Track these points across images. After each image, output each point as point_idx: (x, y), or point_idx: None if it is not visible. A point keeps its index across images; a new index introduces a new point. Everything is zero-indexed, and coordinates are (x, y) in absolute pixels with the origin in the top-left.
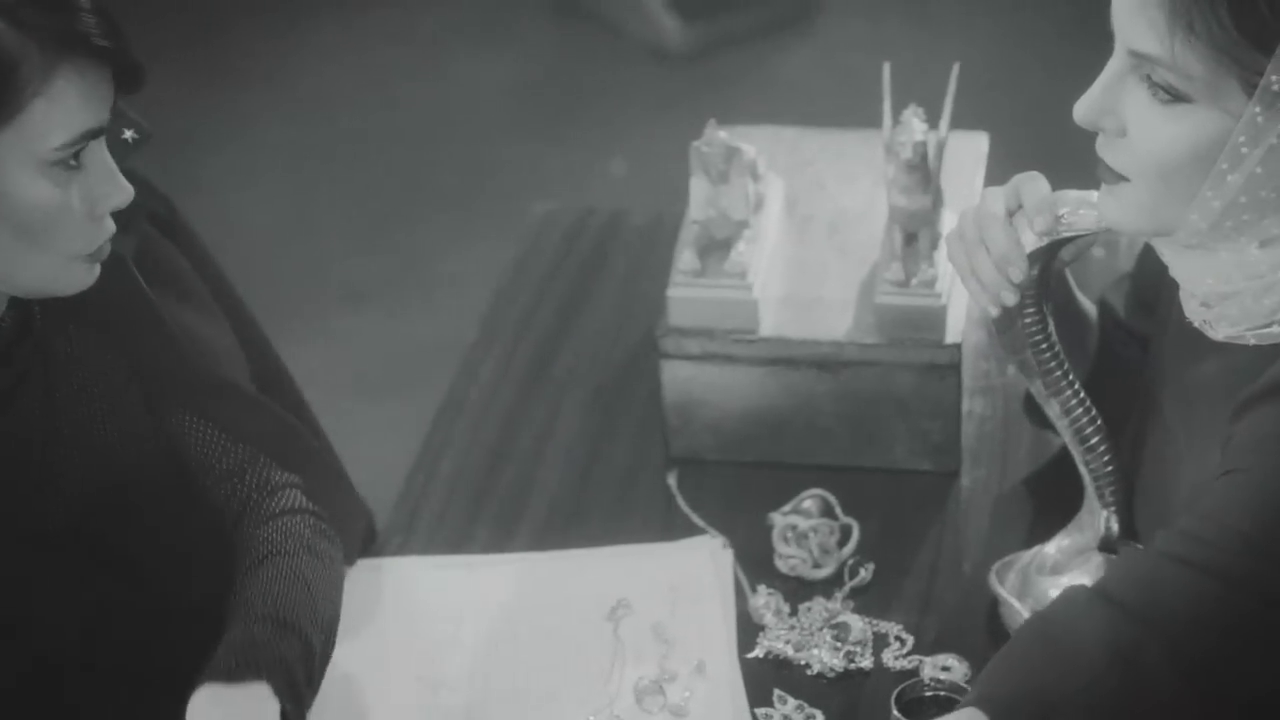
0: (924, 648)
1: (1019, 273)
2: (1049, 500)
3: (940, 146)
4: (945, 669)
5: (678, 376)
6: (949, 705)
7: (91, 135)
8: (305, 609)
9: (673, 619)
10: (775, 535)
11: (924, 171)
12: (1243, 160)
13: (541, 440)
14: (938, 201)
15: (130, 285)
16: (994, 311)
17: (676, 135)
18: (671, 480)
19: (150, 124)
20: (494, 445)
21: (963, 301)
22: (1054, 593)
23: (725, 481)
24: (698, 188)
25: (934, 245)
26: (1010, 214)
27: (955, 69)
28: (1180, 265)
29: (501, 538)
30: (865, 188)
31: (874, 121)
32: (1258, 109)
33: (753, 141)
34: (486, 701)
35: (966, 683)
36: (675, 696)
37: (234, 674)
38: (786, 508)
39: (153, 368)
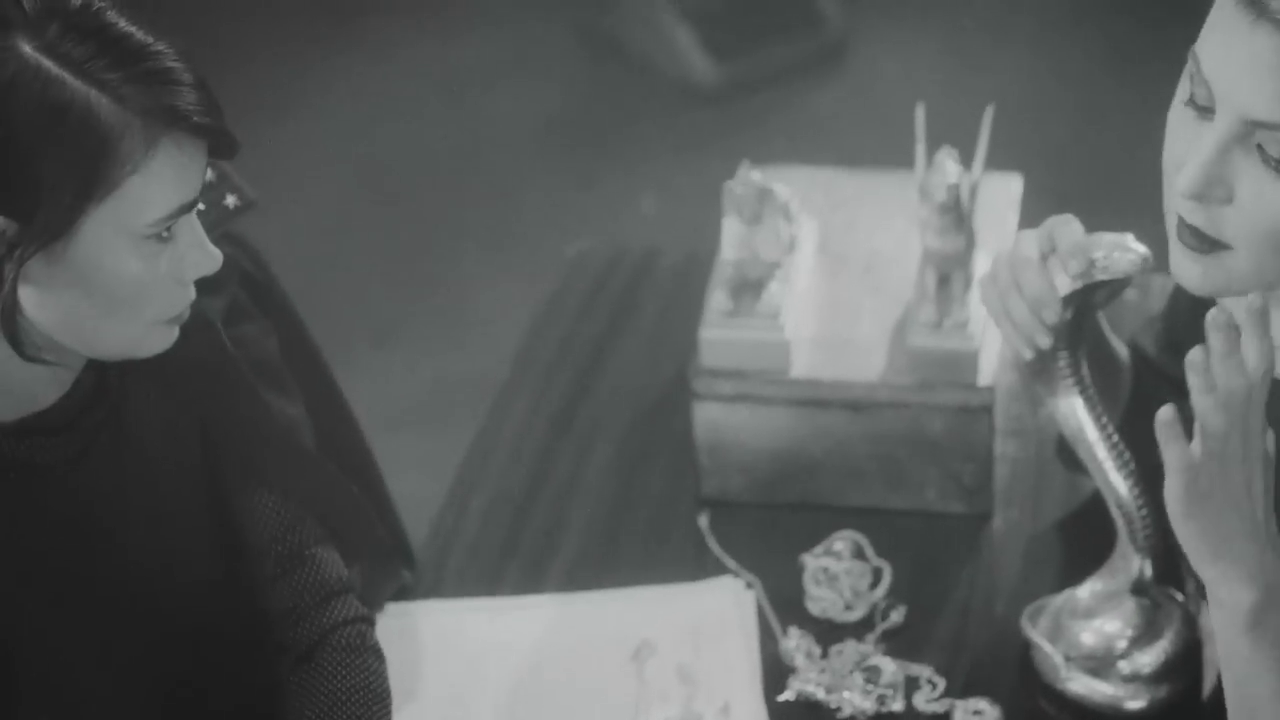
0: (956, 691)
1: (1052, 314)
2: (1082, 543)
3: (974, 188)
4: (977, 713)
5: (709, 417)
6: None
7: (185, 209)
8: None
9: (697, 660)
10: (806, 577)
11: (957, 213)
12: None
13: (573, 480)
14: (971, 243)
15: (218, 349)
16: (1028, 354)
17: (708, 174)
18: (703, 521)
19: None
20: (525, 484)
21: (995, 344)
22: (1085, 637)
23: (756, 523)
24: (730, 228)
25: (967, 287)
26: (1044, 257)
27: (989, 111)
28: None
29: (532, 577)
30: (898, 229)
31: (906, 160)
32: None
33: (786, 182)
34: None
35: None
36: None
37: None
38: (818, 549)
39: (230, 436)
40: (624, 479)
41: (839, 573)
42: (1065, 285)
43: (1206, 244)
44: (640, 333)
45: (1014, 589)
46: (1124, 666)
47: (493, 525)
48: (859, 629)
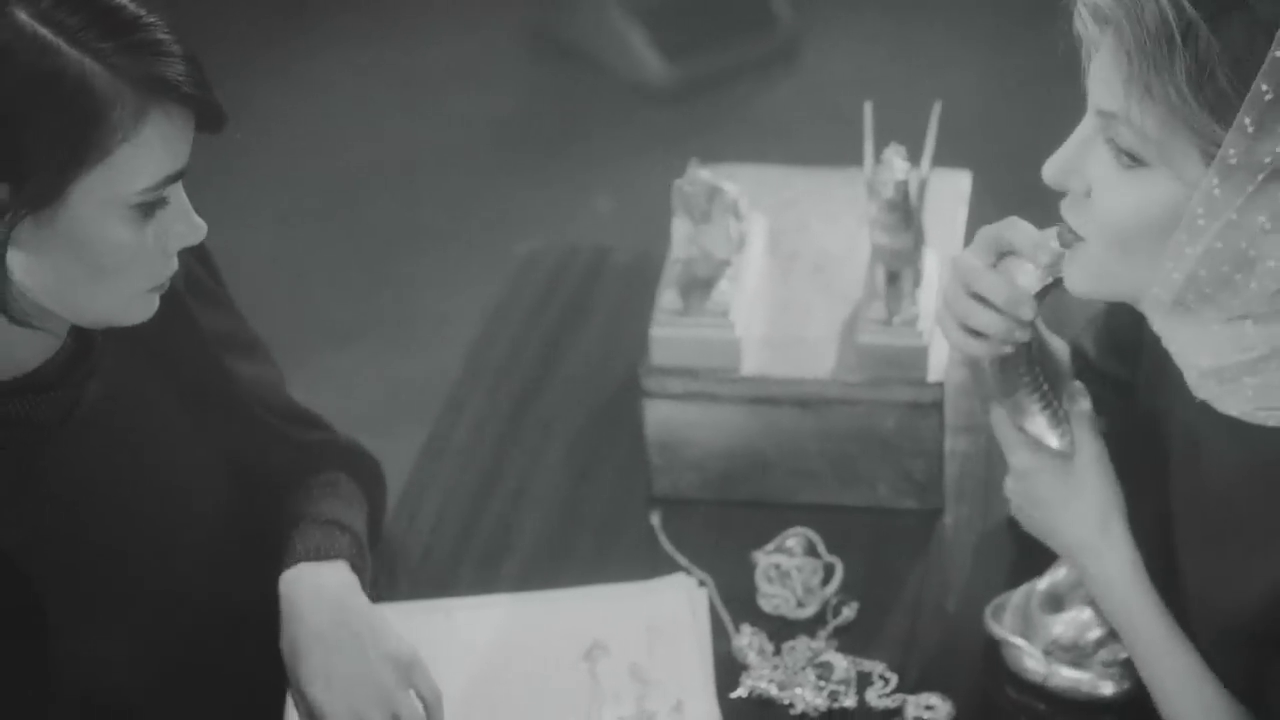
0: (908, 686)
1: (1030, 310)
2: (1032, 538)
3: (922, 185)
4: (929, 708)
5: (660, 415)
6: None
7: (173, 179)
8: (355, 517)
9: (650, 659)
10: (758, 574)
11: (906, 210)
12: (1200, 233)
13: (525, 479)
14: (920, 240)
15: (182, 312)
16: (1008, 349)
17: (661, 173)
18: (655, 519)
19: None
20: (478, 484)
21: (945, 341)
22: (1058, 629)
23: (708, 520)
24: (680, 227)
25: (916, 284)
26: (996, 262)
27: (936, 107)
28: (1172, 337)
29: (486, 577)
30: (848, 227)
31: (858, 160)
32: (1215, 180)
33: (736, 180)
34: None
35: None
36: None
37: (320, 554)
38: (770, 546)
39: (202, 389)
40: (576, 478)
41: (791, 570)
42: (1037, 280)
43: (1072, 239)
44: (591, 332)
45: (966, 584)
46: (1104, 654)
47: (445, 526)
48: (811, 626)
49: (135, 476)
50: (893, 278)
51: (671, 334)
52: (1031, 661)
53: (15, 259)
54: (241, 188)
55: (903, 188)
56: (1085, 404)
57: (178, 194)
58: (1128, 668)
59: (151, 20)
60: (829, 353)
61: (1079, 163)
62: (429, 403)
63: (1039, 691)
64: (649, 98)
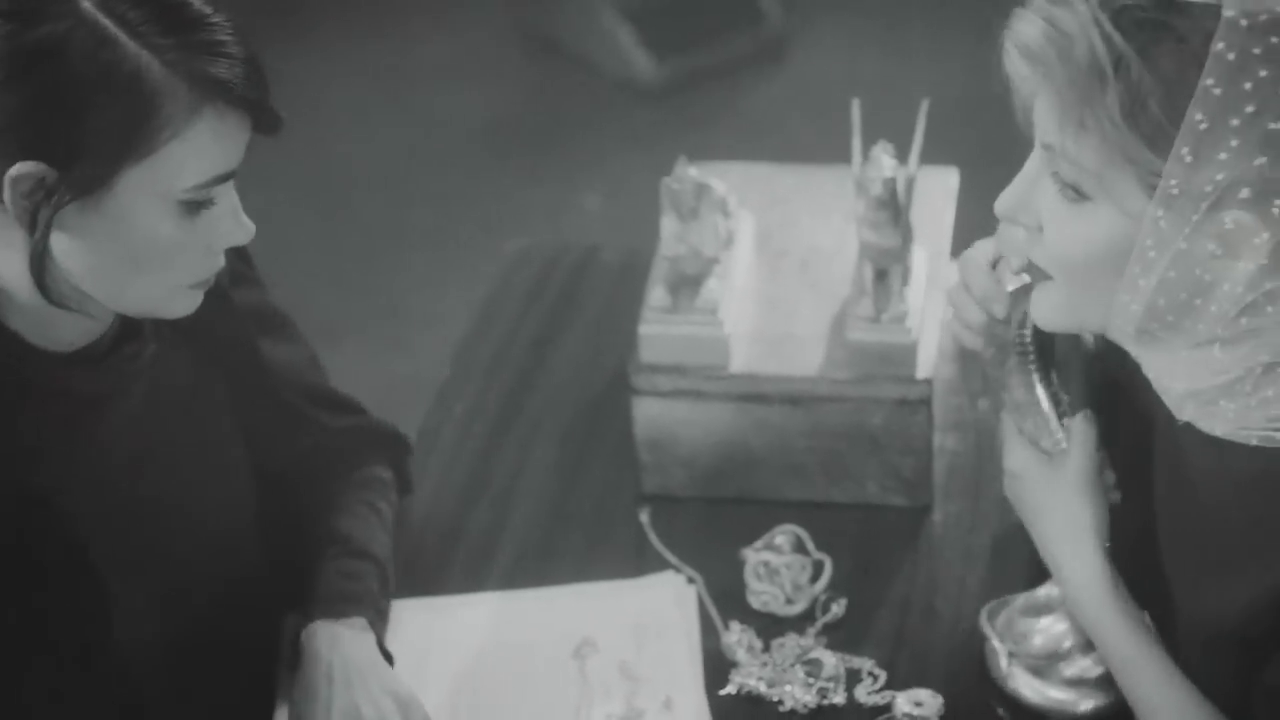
0: (897, 683)
1: (1001, 308)
2: (1021, 535)
3: (910, 182)
4: (918, 704)
5: (649, 413)
6: None
7: (222, 179)
8: (383, 540)
9: (639, 656)
10: (747, 571)
11: (894, 207)
12: (1152, 265)
13: (514, 477)
14: (908, 237)
15: (219, 293)
16: (982, 348)
17: (650, 171)
18: (644, 517)
19: None
20: (467, 482)
21: (934, 337)
22: (1035, 636)
23: (697, 518)
24: (668, 224)
25: (905, 281)
26: (995, 263)
27: (924, 105)
28: (1147, 363)
29: (475, 575)
30: (837, 224)
31: (846, 157)
32: (1159, 212)
33: (724, 178)
34: None
35: (940, 717)
36: None
37: (340, 612)
38: (758, 544)
39: (236, 370)
40: (565, 476)
41: (780, 567)
42: (1013, 282)
43: (1038, 273)
44: (580, 329)
45: (955, 581)
46: (1066, 669)
47: (435, 523)
48: (800, 623)
49: (171, 447)
50: (881, 275)
51: (660, 331)
52: (999, 661)
53: (59, 242)
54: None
55: (890, 185)
56: (1087, 418)
57: (228, 193)
58: (1098, 686)
59: (215, 20)
60: (817, 350)
61: (1028, 198)
62: (418, 400)
63: (1005, 692)
64: (638, 96)
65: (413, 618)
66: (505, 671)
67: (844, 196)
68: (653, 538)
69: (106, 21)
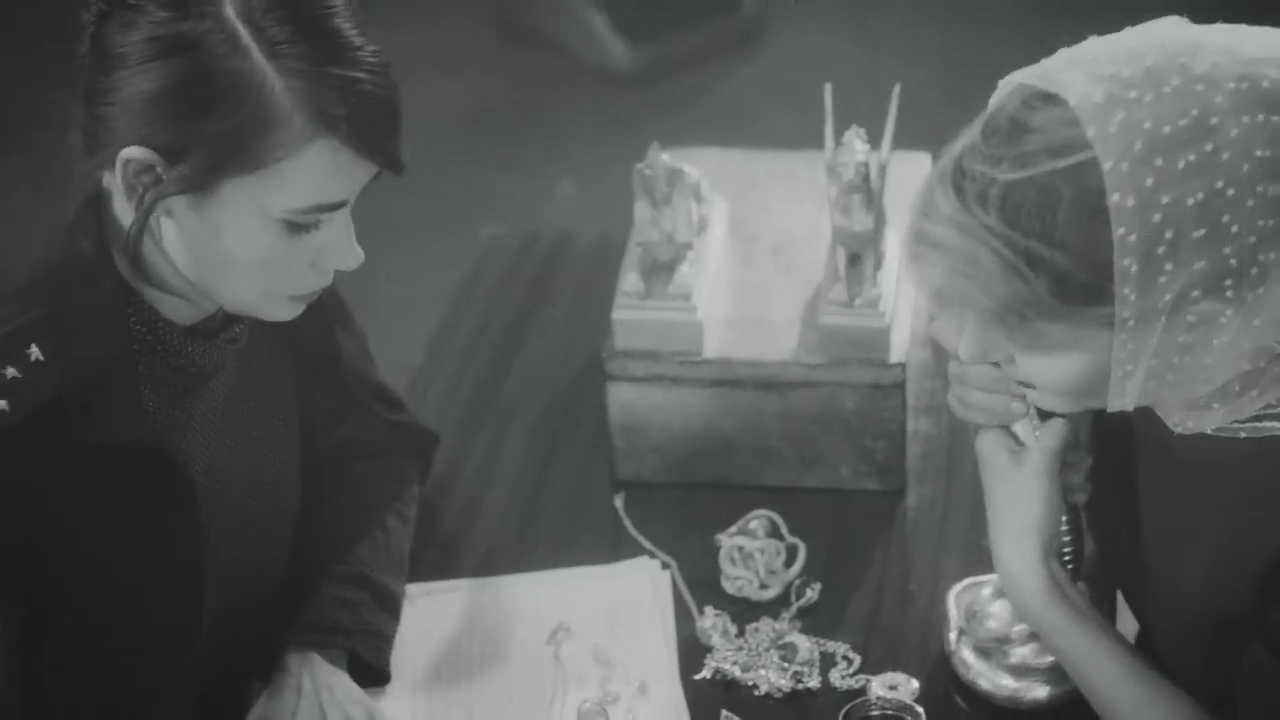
0: (871, 667)
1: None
2: None
3: (882, 167)
4: (893, 687)
5: (623, 399)
6: None
7: (328, 209)
8: (391, 567)
9: (613, 641)
10: (722, 556)
11: (866, 192)
12: (1132, 374)
13: (489, 464)
14: (880, 222)
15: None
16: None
17: (624, 157)
18: (618, 502)
19: None
20: (441, 468)
21: (907, 321)
22: (992, 623)
23: (672, 503)
24: (641, 210)
25: (877, 266)
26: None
27: (896, 90)
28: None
29: (449, 562)
30: (810, 209)
31: (819, 143)
32: (1124, 337)
33: (697, 163)
34: None
35: (914, 701)
36: (618, 718)
37: (323, 644)
38: (733, 529)
39: (314, 358)
40: (539, 462)
41: (754, 551)
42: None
43: (1029, 386)
44: (554, 316)
45: (928, 564)
46: (1011, 654)
47: None
48: (774, 607)
49: (252, 423)
50: (854, 260)
51: (633, 317)
52: (949, 637)
53: (168, 228)
54: None
55: (863, 170)
56: (1064, 421)
57: (339, 219)
58: (1047, 675)
59: (361, 56)
60: (791, 335)
61: (987, 345)
62: (393, 387)
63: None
64: (612, 83)
65: None
66: (480, 657)
67: (817, 182)
68: (627, 523)
69: (244, 31)
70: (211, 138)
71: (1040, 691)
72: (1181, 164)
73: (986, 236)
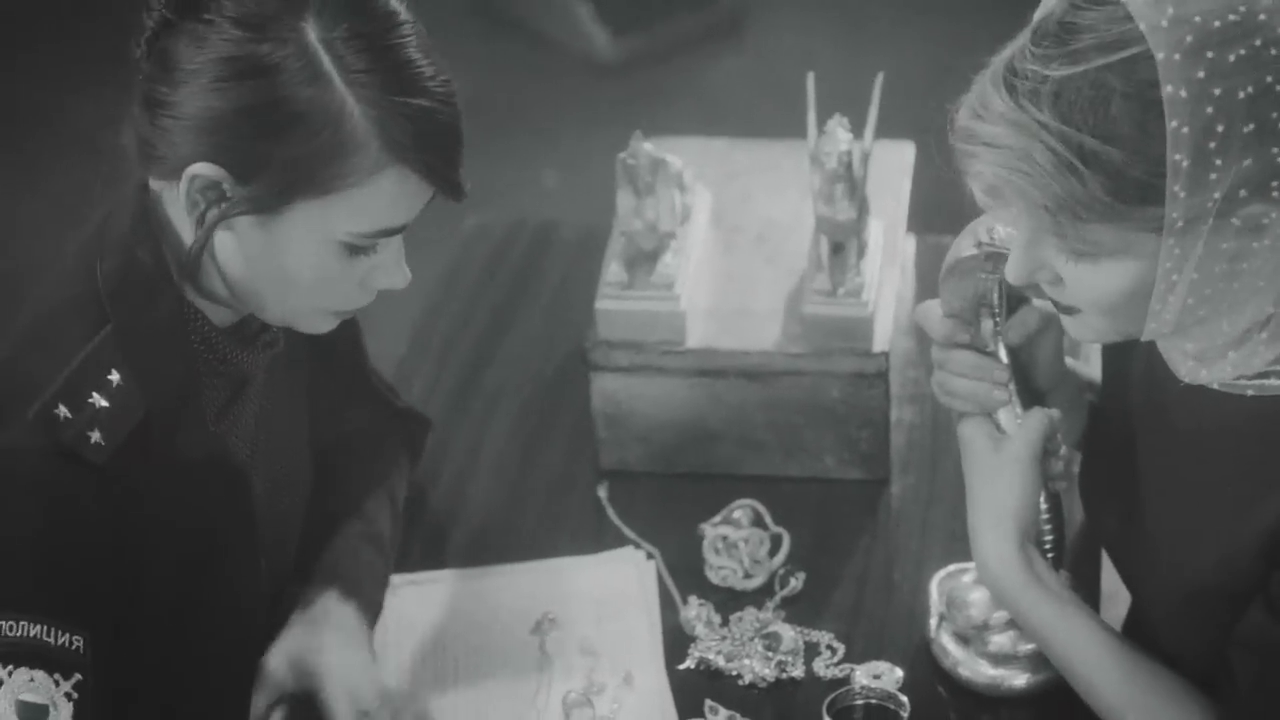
0: (855, 656)
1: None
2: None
3: (865, 156)
4: (876, 677)
5: (607, 388)
6: (881, 713)
7: (389, 234)
8: (393, 539)
9: (598, 631)
10: (706, 546)
11: (849, 181)
12: (1175, 285)
13: (473, 453)
14: (863, 211)
15: None
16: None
17: (608, 147)
18: (602, 492)
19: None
20: (425, 459)
21: (890, 310)
22: (973, 610)
23: (655, 493)
24: (624, 200)
25: (861, 255)
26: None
27: (879, 79)
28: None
29: (434, 552)
30: (793, 198)
31: (802, 132)
32: (1171, 241)
33: (680, 153)
34: None
35: (898, 690)
36: (604, 709)
37: (349, 591)
38: (717, 518)
39: (341, 354)
40: (523, 452)
41: (738, 541)
42: (969, 250)
43: (1065, 309)
44: (537, 305)
45: (912, 554)
46: (990, 642)
47: None
48: (758, 596)
49: (279, 421)
50: (837, 249)
51: (617, 307)
52: (930, 623)
53: (224, 243)
54: None
55: (846, 159)
56: (1046, 411)
57: (396, 242)
58: (1027, 663)
59: (434, 86)
60: (774, 324)
61: (1036, 262)
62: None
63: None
64: (596, 72)
65: None
66: (465, 648)
67: (800, 171)
68: (611, 513)
69: (324, 57)
70: (286, 162)
71: (1020, 679)
72: (1232, 57)
73: (1041, 133)
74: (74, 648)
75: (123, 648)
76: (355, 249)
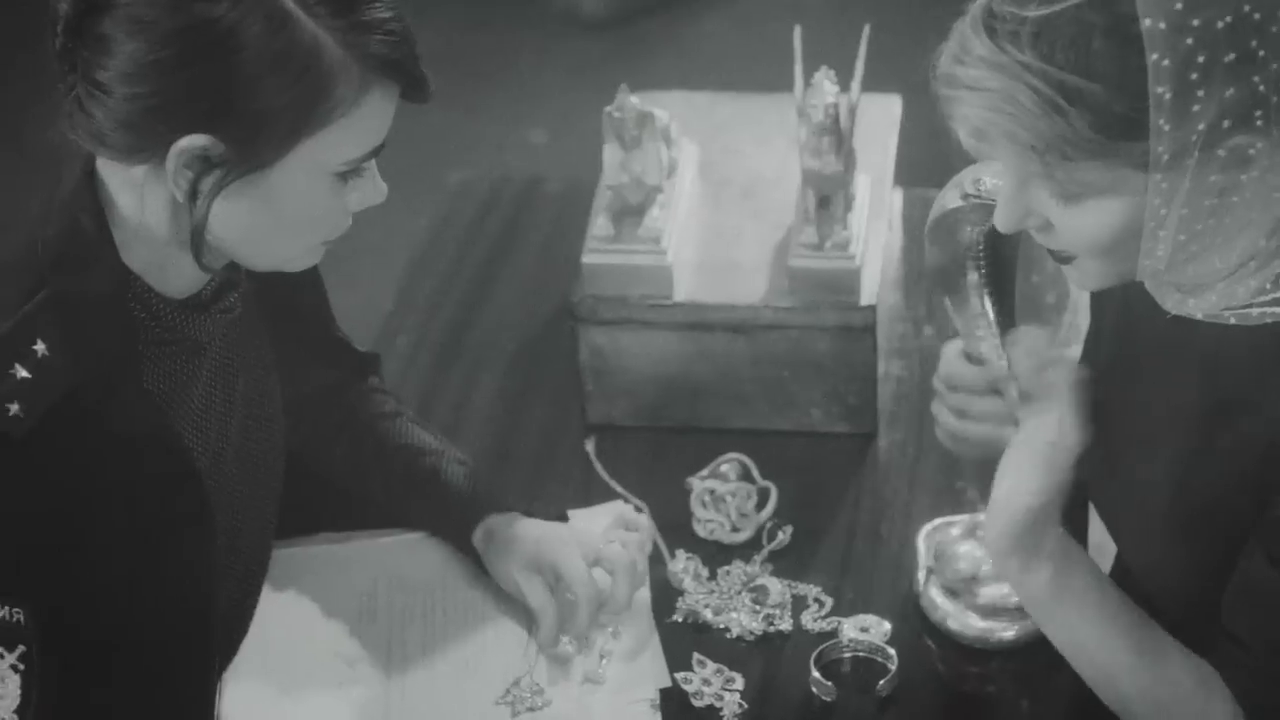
0: (843, 609)
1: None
2: (965, 461)
3: (852, 109)
4: (864, 630)
5: (594, 343)
6: (868, 666)
7: (376, 153)
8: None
9: None
10: (693, 500)
11: (836, 134)
12: (1165, 219)
13: (459, 409)
14: (850, 164)
15: None
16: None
17: (593, 102)
18: (589, 446)
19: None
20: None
21: (877, 263)
22: (961, 564)
23: (643, 447)
24: (611, 153)
25: (847, 208)
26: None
27: (866, 31)
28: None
29: None
30: (779, 152)
31: (789, 85)
32: (1159, 176)
33: (666, 106)
34: (405, 673)
35: (886, 643)
36: (593, 662)
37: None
38: (704, 472)
39: (303, 308)
40: (510, 407)
41: (725, 495)
42: (955, 202)
43: (1061, 257)
44: (524, 261)
45: (899, 507)
46: (980, 594)
47: None
48: (746, 550)
49: (243, 390)
50: (824, 202)
51: (603, 261)
52: (918, 577)
53: (215, 209)
54: None
55: (833, 112)
56: (1049, 403)
57: (372, 161)
58: (1016, 615)
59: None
60: (761, 278)
61: (1024, 208)
62: (362, 334)
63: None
64: (581, 27)
65: (362, 554)
66: (454, 601)
67: (786, 124)
68: (599, 467)
69: (285, 1)
70: (279, 112)
71: (1009, 631)
72: None
73: (1023, 73)
74: (15, 620)
75: (71, 619)
76: (346, 176)
